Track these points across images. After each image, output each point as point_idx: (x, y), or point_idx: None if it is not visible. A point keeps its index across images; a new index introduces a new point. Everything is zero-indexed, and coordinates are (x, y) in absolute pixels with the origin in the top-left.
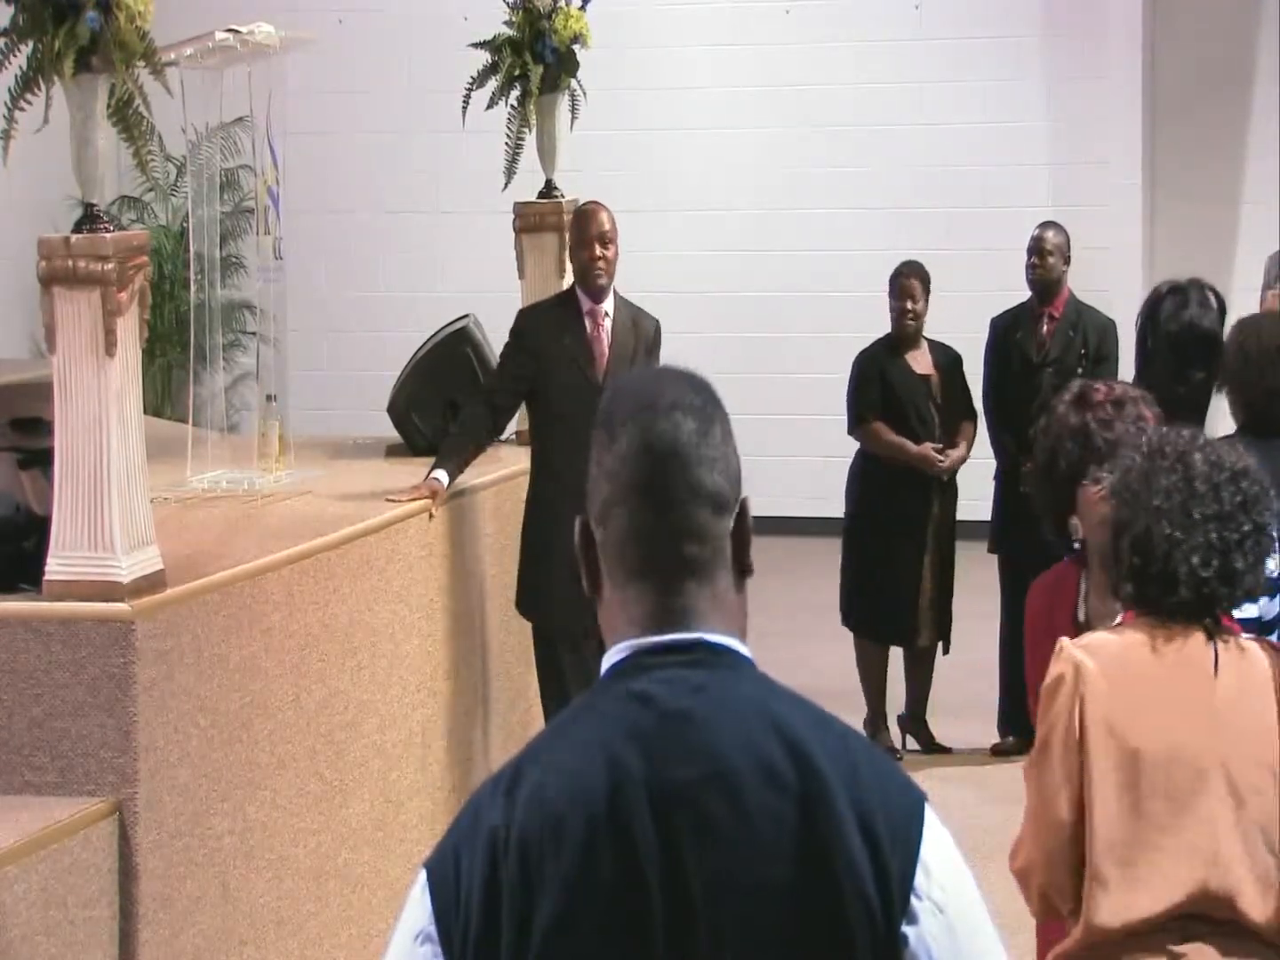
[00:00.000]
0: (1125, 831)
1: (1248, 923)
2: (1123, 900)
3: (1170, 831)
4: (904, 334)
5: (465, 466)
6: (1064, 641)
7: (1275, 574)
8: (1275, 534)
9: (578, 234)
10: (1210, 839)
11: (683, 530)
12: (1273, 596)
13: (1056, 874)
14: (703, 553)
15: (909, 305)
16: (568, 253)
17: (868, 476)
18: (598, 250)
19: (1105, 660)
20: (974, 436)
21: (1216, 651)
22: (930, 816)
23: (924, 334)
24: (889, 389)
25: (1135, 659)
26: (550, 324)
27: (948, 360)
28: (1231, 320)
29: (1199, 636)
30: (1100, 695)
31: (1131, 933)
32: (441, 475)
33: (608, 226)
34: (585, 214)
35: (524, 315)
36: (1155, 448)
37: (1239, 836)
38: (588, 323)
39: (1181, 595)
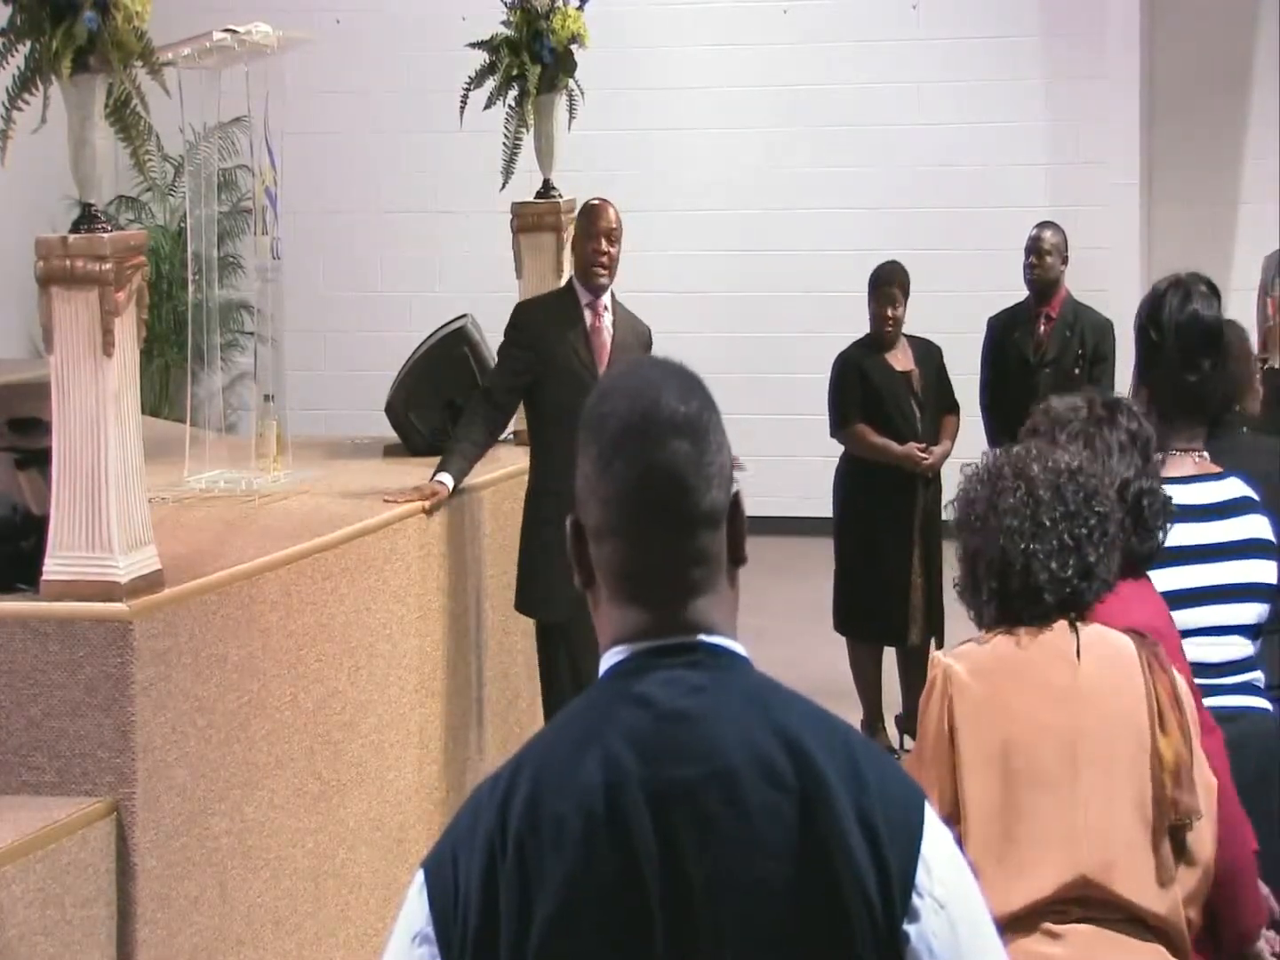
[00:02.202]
0: (999, 824)
1: (1123, 902)
2: (1000, 889)
3: (1044, 818)
4: (884, 338)
5: (472, 467)
6: (935, 654)
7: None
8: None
9: (584, 227)
10: (1083, 819)
11: (683, 558)
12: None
13: None
14: (703, 572)
15: (889, 312)
16: (570, 247)
17: (852, 478)
18: (603, 245)
19: (973, 662)
20: (957, 431)
21: (1078, 637)
22: (930, 814)
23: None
24: (870, 388)
25: (1001, 656)
26: (549, 316)
27: (927, 355)
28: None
29: (1061, 626)
30: (968, 692)
31: (1012, 918)
32: (446, 479)
33: (615, 224)
34: (594, 209)
35: (522, 309)
36: (994, 472)
37: (1112, 811)
38: (588, 314)
39: (1046, 602)
